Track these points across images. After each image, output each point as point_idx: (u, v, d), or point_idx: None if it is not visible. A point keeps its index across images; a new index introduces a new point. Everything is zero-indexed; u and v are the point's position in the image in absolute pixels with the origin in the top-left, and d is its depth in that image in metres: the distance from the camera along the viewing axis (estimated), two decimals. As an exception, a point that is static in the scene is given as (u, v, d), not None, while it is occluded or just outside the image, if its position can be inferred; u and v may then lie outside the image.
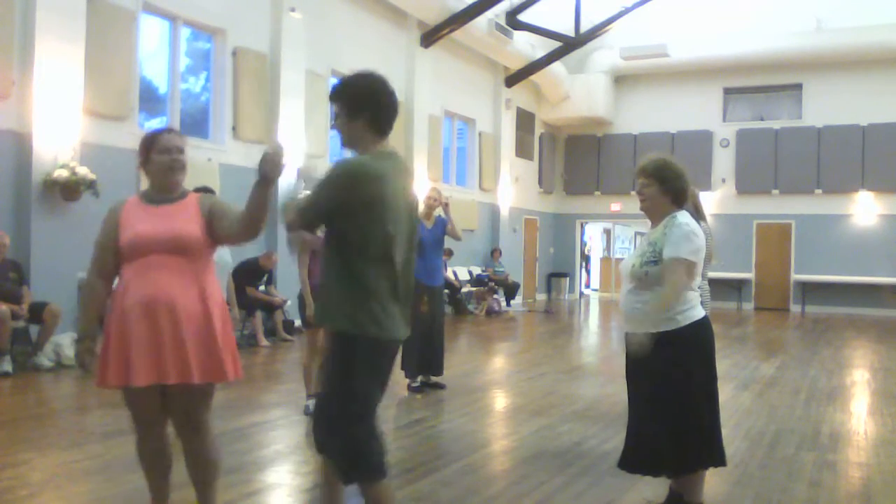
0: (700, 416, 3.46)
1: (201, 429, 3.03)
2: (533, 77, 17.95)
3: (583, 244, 22.60)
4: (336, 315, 2.72)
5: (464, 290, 15.35)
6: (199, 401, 2.99)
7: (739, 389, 7.25)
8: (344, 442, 2.69)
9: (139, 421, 3.04)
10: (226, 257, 5.07)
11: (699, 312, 3.51)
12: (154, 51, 9.99)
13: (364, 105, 2.76)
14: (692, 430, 3.44)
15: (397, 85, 14.17)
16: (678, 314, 3.43)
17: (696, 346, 3.48)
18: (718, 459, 3.56)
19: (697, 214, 5.01)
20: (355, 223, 2.68)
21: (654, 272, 3.42)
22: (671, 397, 3.42)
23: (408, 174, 2.94)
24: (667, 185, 3.51)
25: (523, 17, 16.08)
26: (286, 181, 11.05)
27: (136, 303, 2.86)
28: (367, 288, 2.69)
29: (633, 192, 19.67)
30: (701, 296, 4.88)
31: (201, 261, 3.02)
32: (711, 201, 18.51)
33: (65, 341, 7.62)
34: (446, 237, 7.11)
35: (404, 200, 2.80)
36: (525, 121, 19.13)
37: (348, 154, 2.89)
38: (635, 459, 3.55)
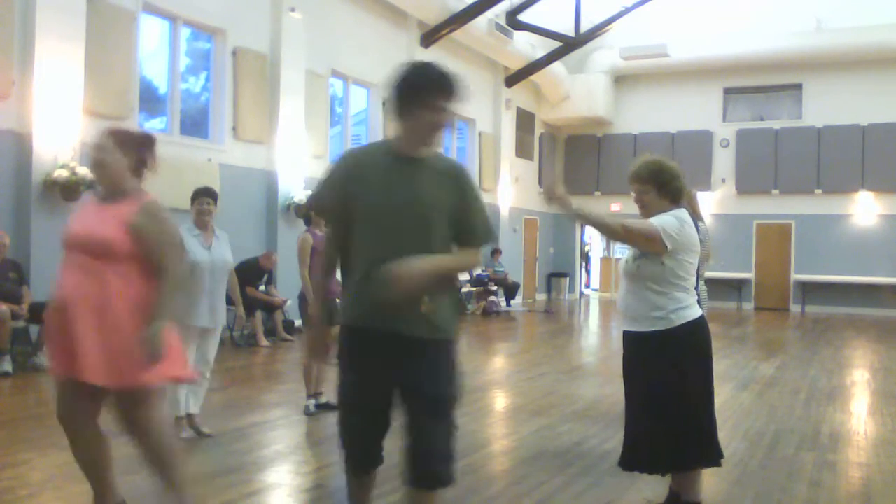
0: (696, 415, 3.44)
1: (141, 430, 3.04)
2: (533, 77, 17.95)
3: (583, 244, 22.60)
4: (451, 325, 2.72)
5: (463, 290, 15.34)
6: (129, 403, 3.00)
7: (739, 389, 7.25)
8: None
9: (58, 415, 3.08)
10: (227, 256, 5.07)
11: (694, 312, 3.46)
12: (154, 51, 10.00)
13: None
14: (688, 430, 3.42)
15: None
16: (671, 313, 3.39)
17: (691, 346, 3.45)
18: (714, 458, 3.55)
19: (694, 215, 5.02)
20: None
21: (646, 265, 3.39)
22: (666, 396, 3.40)
23: None
24: (665, 187, 3.46)
25: (523, 17, 16.08)
26: (286, 186, 11.06)
27: (52, 298, 2.99)
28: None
29: (632, 193, 19.76)
30: (699, 296, 4.90)
31: (124, 265, 2.95)
32: (711, 201, 18.52)
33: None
34: None
35: None
36: (525, 121, 19.13)
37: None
38: (633, 458, 3.55)
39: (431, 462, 2.57)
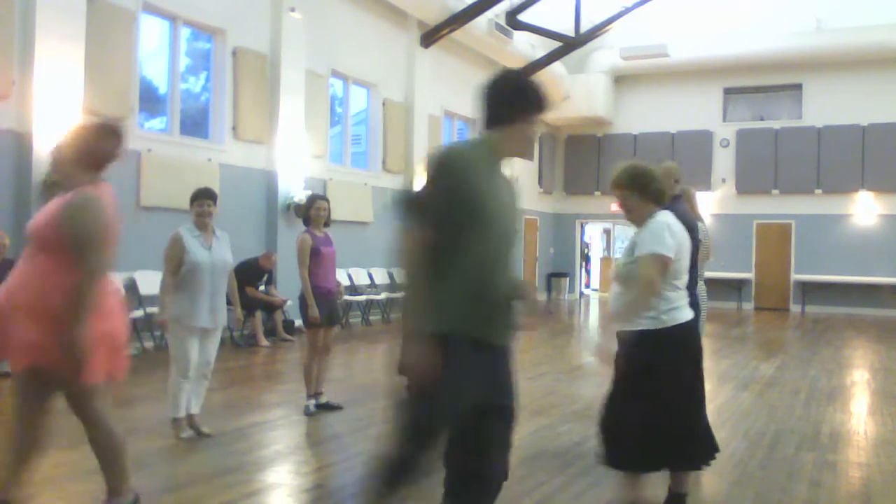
0: (681, 416, 3.45)
1: (84, 417, 3.12)
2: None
3: (583, 245, 22.60)
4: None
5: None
6: (68, 389, 3.05)
7: (739, 389, 7.25)
8: None
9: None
10: (227, 257, 5.07)
11: (686, 314, 3.49)
12: (154, 51, 9.99)
13: None
14: (680, 429, 3.43)
15: (397, 85, 14.27)
16: (663, 314, 3.42)
17: (681, 348, 3.47)
18: (703, 460, 3.60)
19: (693, 214, 5.02)
20: None
21: (634, 271, 3.42)
22: (651, 395, 3.40)
23: None
24: (646, 191, 3.51)
25: (523, 17, 16.07)
26: (285, 186, 11.06)
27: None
28: None
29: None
30: (698, 296, 4.90)
31: (58, 256, 2.98)
32: (711, 201, 18.52)
33: (65, 341, 7.62)
34: None
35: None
36: (525, 121, 19.10)
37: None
38: (616, 455, 3.55)
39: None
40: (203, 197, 5.02)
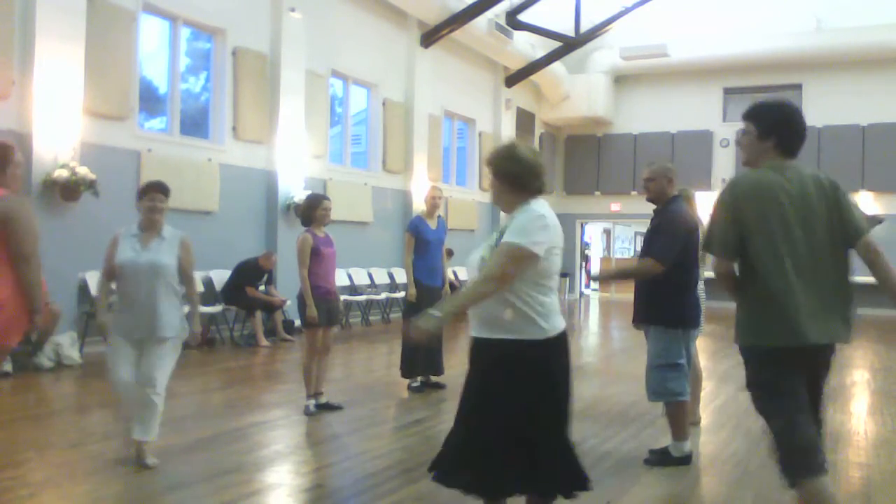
0: (508, 435, 2.81)
1: None
2: (533, 77, 17.94)
3: (583, 245, 22.58)
4: None
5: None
6: None
7: (739, 389, 7.23)
8: None
9: None
10: (163, 259, 4.39)
11: (546, 327, 2.89)
12: (154, 51, 9.99)
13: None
14: (491, 450, 2.81)
15: (397, 85, 14.28)
16: (520, 323, 2.85)
17: (529, 364, 2.84)
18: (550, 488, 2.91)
19: (693, 214, 5.03)
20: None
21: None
22: (478, 407, 2.87)
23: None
24: (503, 175, 2.98)
25: (523, 17, 16.07)
26: (285, 185, 11.06)
27: None
28: None
29: (633, 193, 19.93)
30: (698, 296, 4.91)
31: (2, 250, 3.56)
32: (712, 201, 18.47)
33: (65, 341, 7.63)
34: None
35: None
36: (525, 121, 19.13)
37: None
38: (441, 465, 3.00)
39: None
40: (155, 190, 4.40)
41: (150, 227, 4.39)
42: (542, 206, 2.94)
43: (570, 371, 2.98)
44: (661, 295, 4.53)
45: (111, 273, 4.40)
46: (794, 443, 2.87)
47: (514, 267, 2.81)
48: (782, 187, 2.93)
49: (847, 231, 2.91)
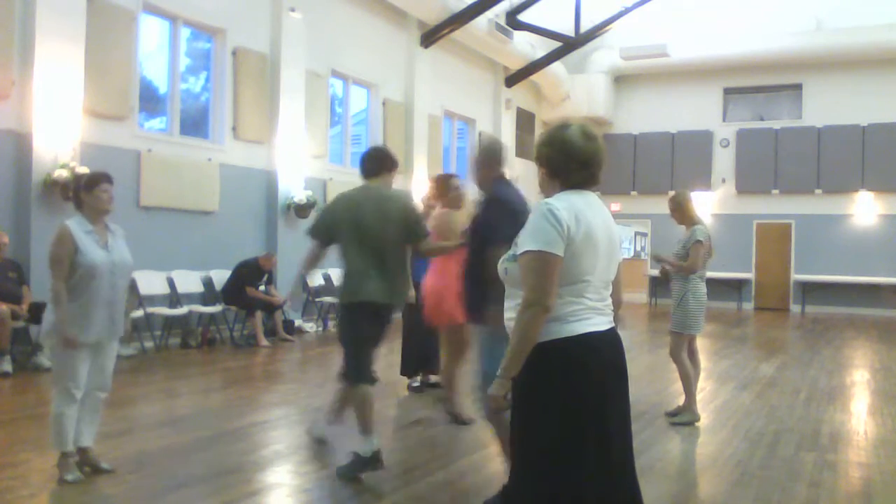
0: (541, 461, 2.41)
1: None
2: (533, 77, 17.94)
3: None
4: None
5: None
6: None
7: (739, 389, 7.25)
8: None
9: None
10: (127, 256, 4.24)
11: (579, 328, 2.42)
12: (154, 51, 9.99)
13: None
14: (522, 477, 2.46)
15: (397, 85, 14.26)
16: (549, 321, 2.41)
17: (561, 368, 2.40)
18: None
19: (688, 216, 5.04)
20: None
21: (513, 270, 2.51)
22: (515, 428, 2.51)
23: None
24: (541, 161, 2.63)
25: (523, 17, 16.07)
26: (284, 185, 11.06)
27: None
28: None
29: (632, 193, 19.92)
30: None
31: None
32: (711, 201, 18.51)
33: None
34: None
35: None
36: (525, 121, 19.13)
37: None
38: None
39: None
40: (105, 181, 4.10)
41: (98, 220, 4.09)
42: (562, 199, 2.46)
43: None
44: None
45: (72, 274, 3.95)
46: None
47: (543, 279, 2.35)
48: None
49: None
